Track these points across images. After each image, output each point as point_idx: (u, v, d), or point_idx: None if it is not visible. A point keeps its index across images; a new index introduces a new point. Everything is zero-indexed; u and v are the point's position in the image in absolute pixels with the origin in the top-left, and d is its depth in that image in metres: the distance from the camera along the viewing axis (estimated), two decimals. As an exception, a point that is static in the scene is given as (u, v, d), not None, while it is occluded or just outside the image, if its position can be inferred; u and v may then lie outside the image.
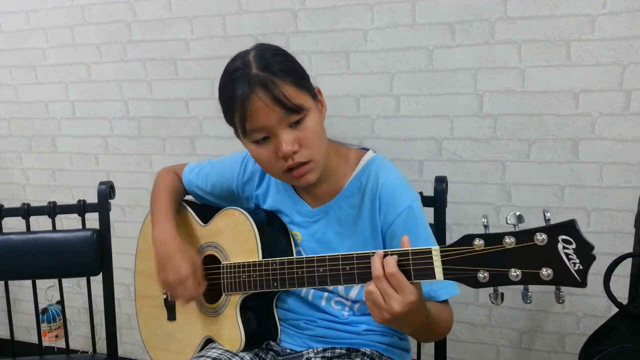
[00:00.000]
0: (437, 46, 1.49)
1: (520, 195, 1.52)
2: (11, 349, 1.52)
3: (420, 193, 1.27)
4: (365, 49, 1.55)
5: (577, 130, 1.43)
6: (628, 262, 1.21)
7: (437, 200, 1.22)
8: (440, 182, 1.22)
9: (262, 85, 0.89)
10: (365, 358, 1.06)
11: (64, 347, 1.55)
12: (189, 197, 1.28)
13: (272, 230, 1.09)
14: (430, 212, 1.22)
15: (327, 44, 1.59)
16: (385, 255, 0.82)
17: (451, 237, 1.60)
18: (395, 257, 0.80)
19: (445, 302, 1.00)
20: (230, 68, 0.95)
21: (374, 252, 0.83)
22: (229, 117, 0.96)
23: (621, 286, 1.24)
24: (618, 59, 1.35)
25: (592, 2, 1.34)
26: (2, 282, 1.51)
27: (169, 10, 1.74)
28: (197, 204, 1.27)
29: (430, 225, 1.06)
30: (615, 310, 1.17)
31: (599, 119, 1.40)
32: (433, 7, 1.46)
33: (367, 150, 1.08)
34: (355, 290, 1.06)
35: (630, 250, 1.29)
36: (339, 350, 1.07)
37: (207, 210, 1.21)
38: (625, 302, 1.18)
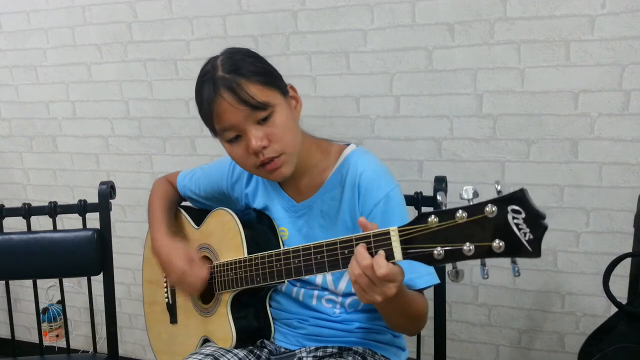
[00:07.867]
0: (436, 46, 1.49)
1: (519, 195, 1.52)
2: (12, 349, 1.52)
3: (420, 193, 1.28)
4: (365, 49, 1.55)
5: (576, 131, 1.43)
6: (627, 261, 1.22)
7: (436, 200, 1.22)
8: (440, 182, 1.22)
9: (226, 86, 0.93)
10: (357, 357, 1.06)
11: (65, 346, 1.55)
12: (185, 203, 1.30)
13: (261, 229, 1.10)
14: (429, 212, 1.22)
15: (327, 45, 1.59)
16: (352, 241, 0.84)
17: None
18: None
19: (421, 291, 1.00)
20: (201, 72, 0.99)
21: (344, 239, 0.86)
22: (203, 118, 1.01)
23: (620, 286, 1.25)
24: (617, 59, 1.35)
25: (591, 3, 1.34)
26: (3, 282, 1.51)
27: (170, 11, 1.75)
28: (192, 209, 1.29)
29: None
30: (614, 310, 1.18)
31: (598, 119, 1.40)
32: (433, 8, 1.46)
33: (349, 144, 1.09)
34: (344, 282, 1.06)
35: (630, 250, 1.29)
36: (331, 349, 1.08)
37: (200, 214, 1.23)
38: (624, 301, 1.19)
